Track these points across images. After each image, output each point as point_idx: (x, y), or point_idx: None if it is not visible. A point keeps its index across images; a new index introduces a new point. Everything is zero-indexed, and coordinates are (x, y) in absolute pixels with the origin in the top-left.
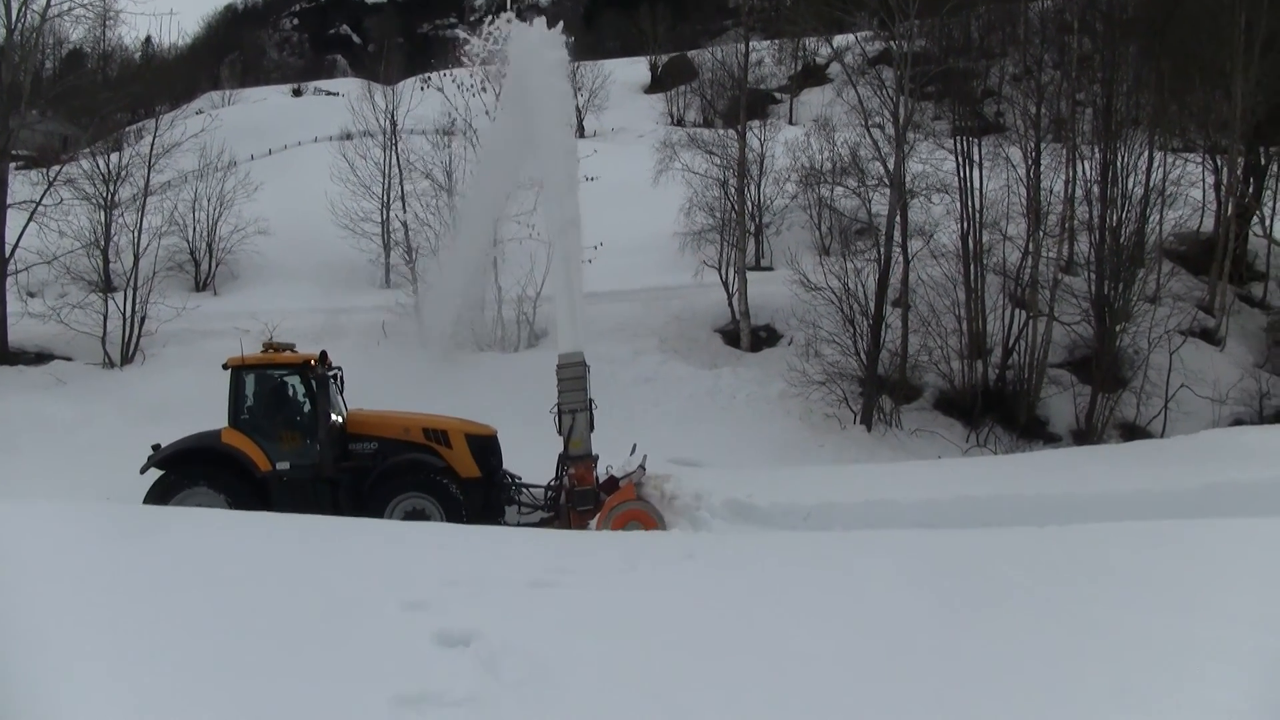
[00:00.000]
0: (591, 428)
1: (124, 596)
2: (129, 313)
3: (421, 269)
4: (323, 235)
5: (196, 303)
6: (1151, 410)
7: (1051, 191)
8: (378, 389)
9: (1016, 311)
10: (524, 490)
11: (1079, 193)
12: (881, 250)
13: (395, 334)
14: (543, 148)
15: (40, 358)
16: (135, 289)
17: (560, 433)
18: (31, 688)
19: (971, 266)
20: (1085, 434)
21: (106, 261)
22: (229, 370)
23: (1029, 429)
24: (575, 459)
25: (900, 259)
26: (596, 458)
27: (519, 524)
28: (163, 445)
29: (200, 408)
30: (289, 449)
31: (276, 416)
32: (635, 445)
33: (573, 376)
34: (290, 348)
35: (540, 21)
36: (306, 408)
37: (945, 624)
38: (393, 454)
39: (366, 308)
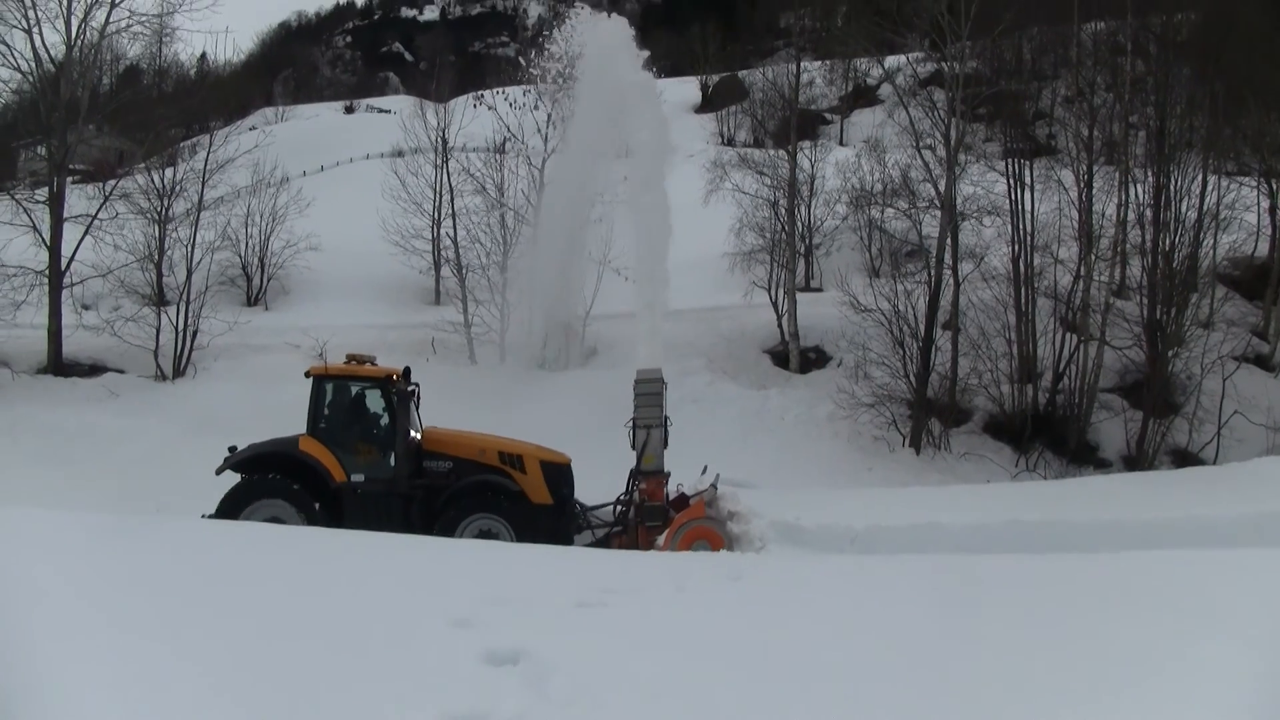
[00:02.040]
0: (665, 444)
1: (167, 610)
2: (181, 326)
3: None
4: (373, 251)
5: (248, 317)
6: (1204, 437)
7: (1104, 215)
8: (427, 405)
9: (1067, 335)
10: (591, 515)
11: (1131, 216)
12: (932, 272)
13: (444, 350)
14: (635, 165)
15: (94, 370)
16: (188, 303)
17: (634, 447)
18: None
19: (1022, 290)
20: (1136, 460)
21: (160, 275)
22: (310, 379)
23: (1079, 454)
24: (647, 474)
25: (950, 281)
26: (668, 475)
27: (590, 545)
28: (237, 448)
29: (250, 421)
30: (364, 461)
31: (354, 428)
32: (706, 466)
33: (650, 392)
34: (371, 360)
35: (615, 19)
36: (385, 421)
37: (990, 651)
38: (467, 474)
39: (416, 324)
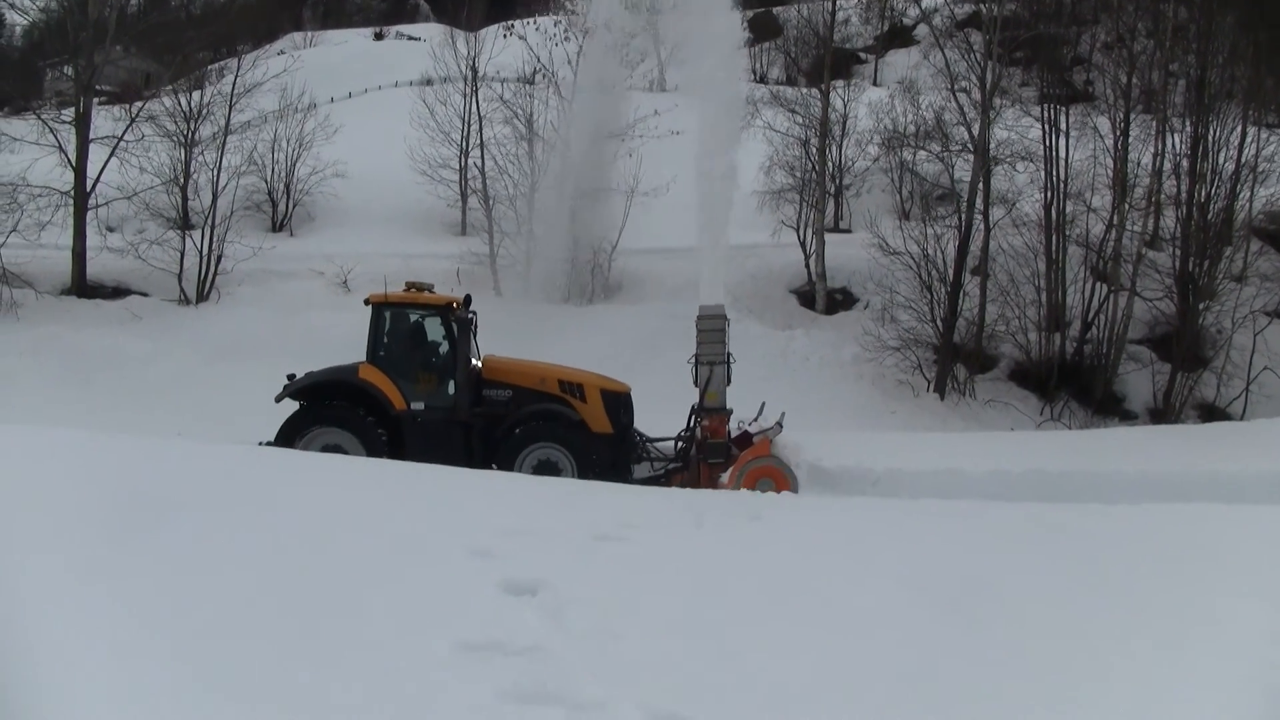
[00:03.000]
0: (729, 381)
1: (181, 530)
2: (205, 251)
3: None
4: (400, 180)
5: (272, 243)
6: (1232, 392)
7: (1139, 164)
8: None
9: (1097, 285)
10: (651, 446)
11: (1167, 166)
12: (962, 217)
13: (469, 282)
14: (704, 94)
15: (117, 292)
16: (213, 227)
17: (696, 384)
18: (79, 614)
19: (1053, 237)
20: (1162, 413)
21: (185, 199)
22: (370, 306)
23: (1105, 405)
24: (710, 411)
25: (981, 226)
26: (730, 412)
27: (649, 479)
28: (296, 375)
29: (274, 347)
30: (424, 390)
31: (414, 356)
32: (764, 404)
33: (713, 329)
34: (429, 288)
35: None
36: (445, 350)
37: (1009, 598)
38: (527, 403)
39: (441, 255)
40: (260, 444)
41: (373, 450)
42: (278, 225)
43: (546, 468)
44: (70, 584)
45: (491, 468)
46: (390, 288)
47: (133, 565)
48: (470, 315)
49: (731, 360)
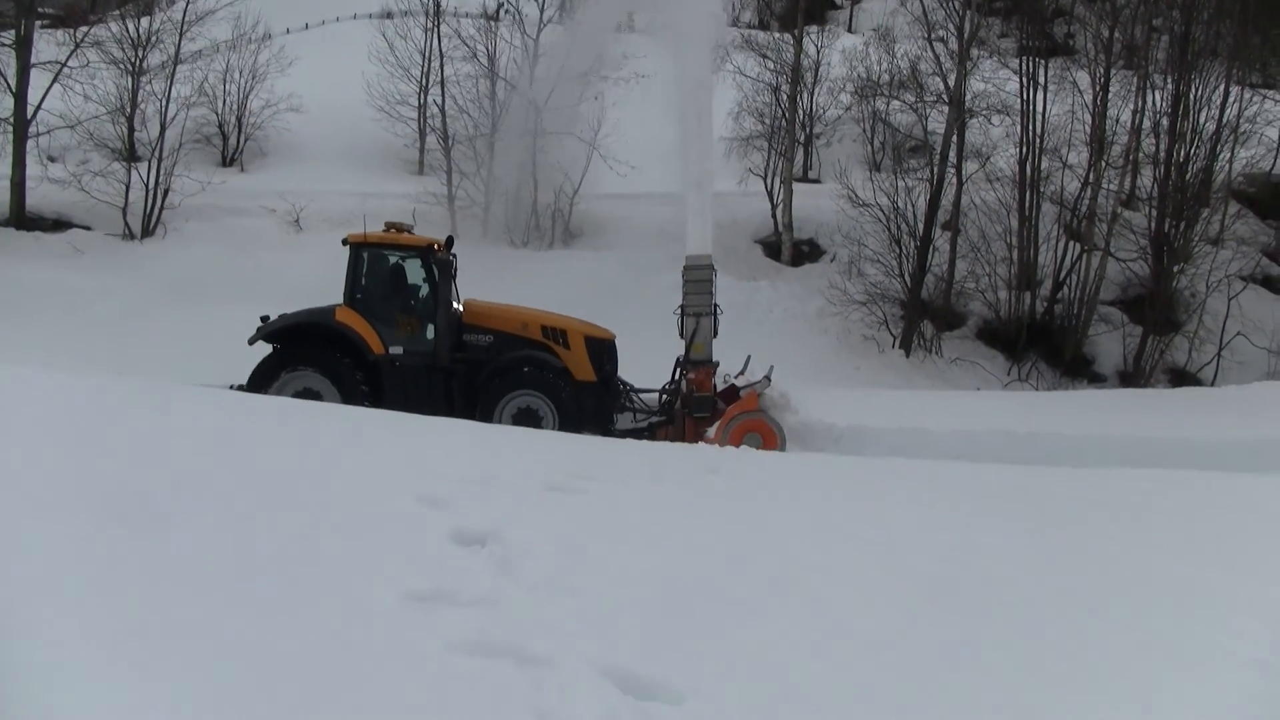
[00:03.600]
0: (715, 333)
1: (121, 472)
2: (152, 184)
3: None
4: (357, 117)
5: (222, 178)
6: (1204, 357)
7: (1118, 121)
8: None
9: (1071, 244)
10: (635, 397)
11: (1147, 124)
12: (935, 170)
13: (425, 223)
14: (681, 39)
15: (58, 225)
16: (160, 160)
17: (683, 335)
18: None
19: (1027, 193)
20: (1132, 376)
21: (131, 130)
22: (348, 246)
23: (1074, 367)
24: (696, 364)
25: (954, 180)
26: (717, 364)
27: (632, 431)
28: (270, 317)
29: (224, 287)
30: (403, 334)
31: (393, 299)
32: (750, 357)
33: (699, 279)
34: (409, 229)
35: None
36: (425, 293)
37: (966, 553)
38: (509, 349)
39: (397, 194)
40: (231, 388)
41: (349, 396)
42: (228, 160)
43: (527, 416)
44: None
45: (474, 415)
46: (358, 228)
47: (64, 511)
48: (452, 257)
49: (719, 312)
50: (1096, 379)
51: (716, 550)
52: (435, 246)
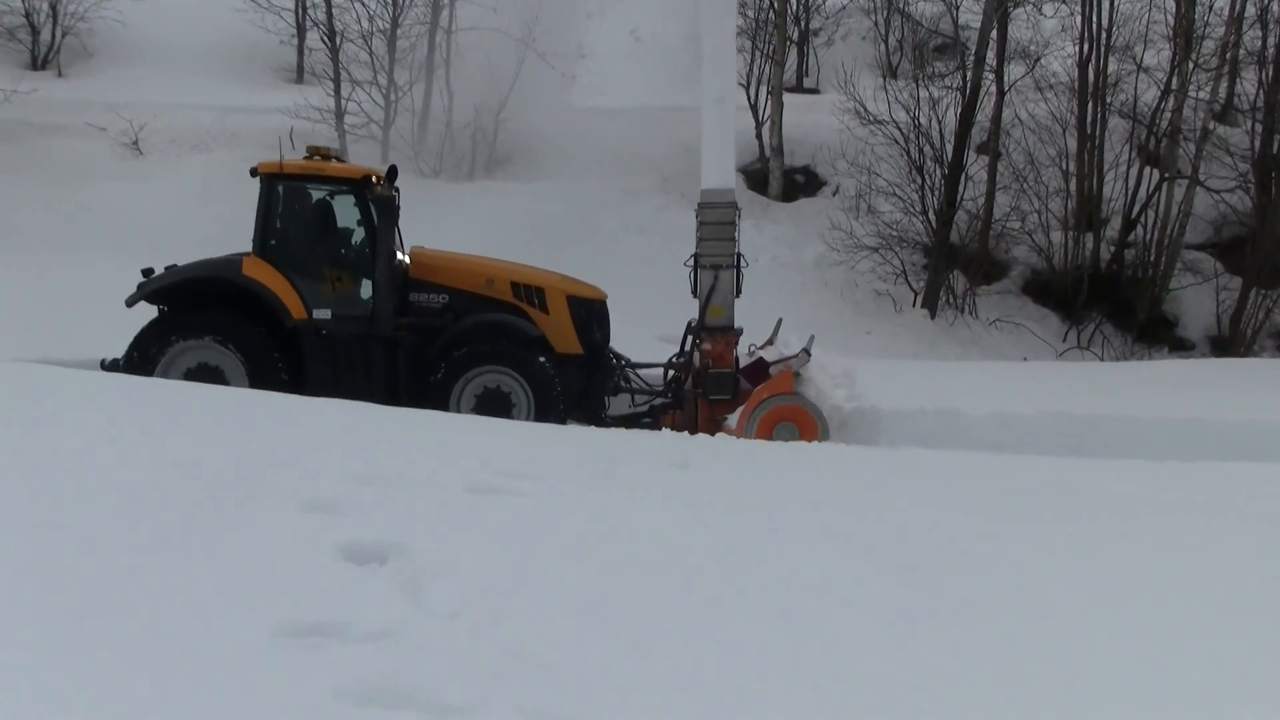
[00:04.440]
0: (738, 291)
1: None
2: None
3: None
4: (213, 7)
5: (32, 85)
6: None
7: (1210, 8)
8: None
9: (1147, 170)
10: (633, 374)
11: (1250, 10)
12: (968, 75)
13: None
14: None
15: None
16: None
17: (696, 294)
18: None
19: (1090, 105)
20: (1228, 342)
21: None
22: (258, 178)
23: (1150, 330)
24: (713, 330)
25: (993, 89)
26: (740, 332)
27: (628, 417)
28: (152, 270)
29: (40, 230)
30: (332, 293)
31: (318, 248)
32: (781, 320)
33: (719, 220)
34: (337, 156)
35: None
36: (360, 240)
37: (1006, 588)
38: (469, 312)
39: (268, 108)
40: (104, 364)
41: (260, 374)
42: (39, 61)
43: (493, 399)
44: None
45: (424, 400)
46: (217, 151)
47: None
48: (395, 193)
49: (743, 263)
50: (1180, 345)
51: (682, 567)
52: (373, 179)
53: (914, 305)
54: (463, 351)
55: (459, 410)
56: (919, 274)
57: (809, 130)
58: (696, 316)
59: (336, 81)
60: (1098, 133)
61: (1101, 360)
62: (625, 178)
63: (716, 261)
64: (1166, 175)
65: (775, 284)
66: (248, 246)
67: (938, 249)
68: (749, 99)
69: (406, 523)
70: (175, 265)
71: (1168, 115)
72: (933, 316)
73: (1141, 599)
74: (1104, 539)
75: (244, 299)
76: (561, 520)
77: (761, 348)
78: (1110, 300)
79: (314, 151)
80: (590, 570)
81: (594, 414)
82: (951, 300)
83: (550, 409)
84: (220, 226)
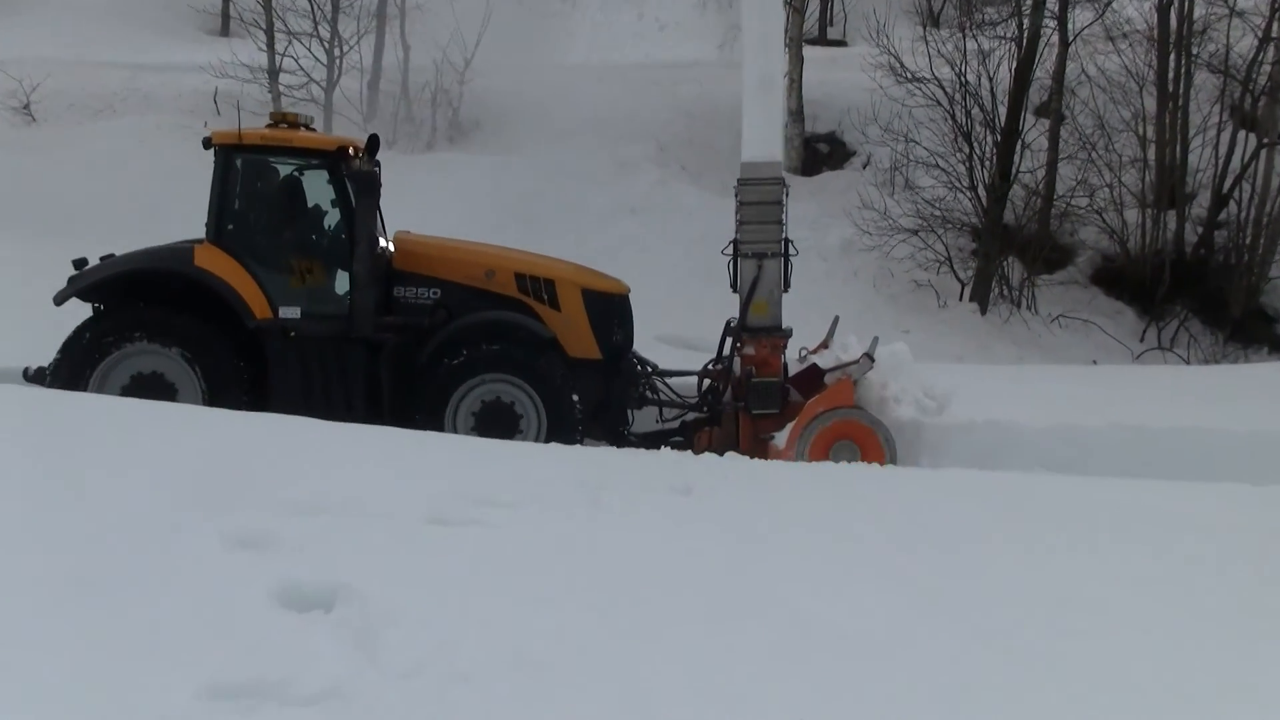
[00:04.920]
0: (787, 286)
1: None
2: None
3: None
4: None
5: None
6: None
7: None
8: (202, 194)
9: (1241, 134)
10: (662, 384)
11: None
12: (1025, 23)
13: (235, 111)
14: None
15: None
16: None
17: (735, 288)
18: None
19: (1172, 56)
20: None
21: None
22: (212, 150)
23: (1248, 327)
24: (757, 331)
25: (1055, 39)
26: (789, 333)
27: (655, 435)
28: (86, 261)
29: None
30: (304, 288)
31: (285, 235)
32: (837, 319)
33: (764, 200)
34: (307, 124)
35: None
36: (335, 224)
37: (1059, 639)
38: (466, 309)
39: (188, 66)
40: (27, 374)
41: (216, 384)
42: None
43: (497, 413)
44: None
45: (414, 416)
46: (125, 117)
47: None
48: (376, 168)
49: (793, 251)
50: None
51: (683, 611)
52: (350, 151)
53: (961, 298)
54: (460, 357)
55: (455, 426)
56: (967, 261)
57: (835, 89)
58: (736, 315)
59: (270, 34)
60: (1181, 90)
61: (1187, 363)
62: (617, 147)
63: (760, 249)
64: (1266, 141)
65: (796, 274)
66: (170, 230)
67: (989, 231)
68: None
69: (356, 561)
70: (111, 255)
71: (1266, 69)
72: (983, 312)
73: (1229, 654)
74: (1179, 575)
75: (197, 295)
76: (539, 558)
77: (814, 351)
78: (1198, 292)
79: (279, 118)
80: (572, 618)
81: (615, 430)
82: (1006, 293)
83: (565, 425)
84: (134, 206)
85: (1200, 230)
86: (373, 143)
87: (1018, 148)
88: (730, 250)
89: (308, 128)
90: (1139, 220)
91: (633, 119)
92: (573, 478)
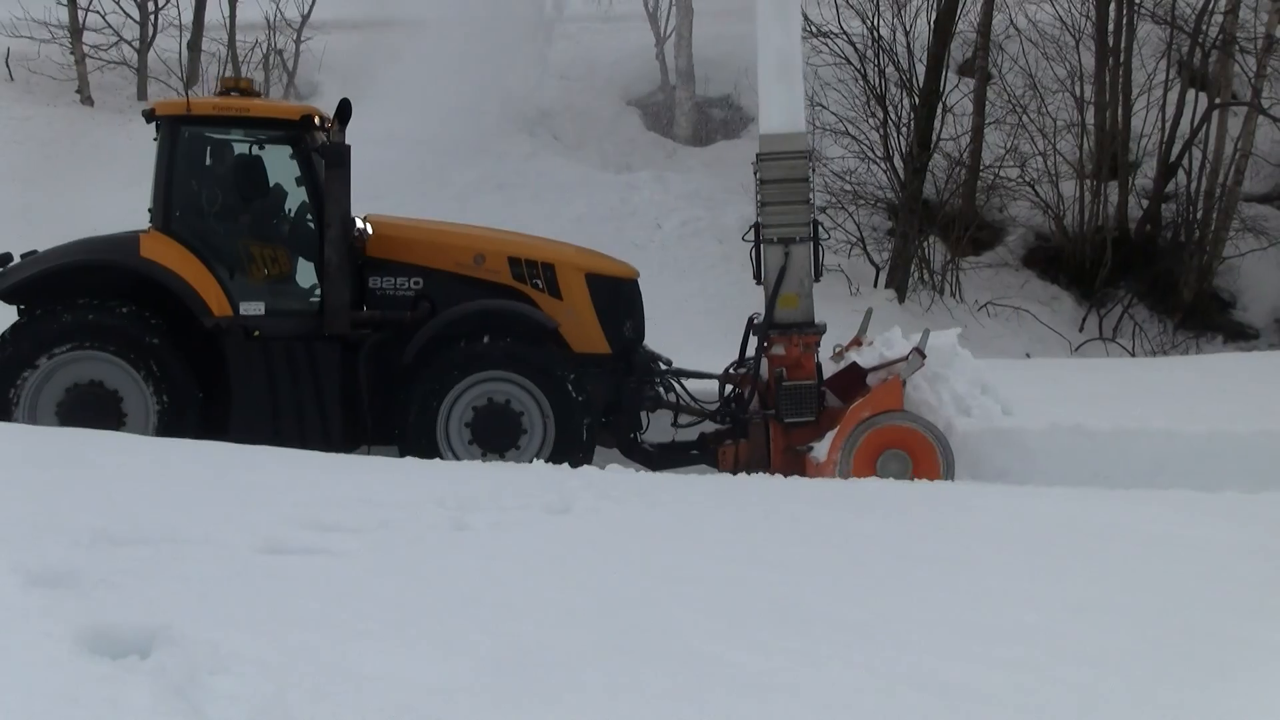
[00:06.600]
0: (818, 274)
1: None
2: None
3: None
4: None
5: None
6: None
7: None
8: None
9: (1191, 95)
10: (679, 385)
11: None
12: None
13: (31, 82)
14: None
15: None
16: None
17: (759, 278)
18: None
19: (1112, 6)
20: None
21: None
22: (156, 124)
23: (1200, 312)
24: (787, 328)
25: None
26: (823, 329)
27: (670, 448)
28: (11, 256)
29: None
30: (265, 280)
31: (245, 219)
32: (870, 310)
33: (789, 178)
34: (259, 92)
35: None
36: (298, 206)
37: (971, 650)
38: (452, 298)
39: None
40: None
41: (168, 395)
42: None
43: (495, 418)
44: None
45: (394, 429)
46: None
47: None
48: (344, 142)
49: (824, 234)
50: (1239, 333)
51: (559, 655)
52: (316, 121)
53: (876, 284)
54: (447, 354)
55: (448, 434)
56: (882, 242)
57: (729, 48)
58: (762, 310)
59: None
60: (1123, 44)
61: (1133, 355)
62: (476, 117)
63: (787, 233)
64: (1218, 101)
65: (684, 257)
66: None
67: (907, 207)
68: (645, 5)
69: (177, 599)
70: (37, 250)
71: (1218, 19)
72: (901, 300)
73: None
74: (1122, 600)
75: (144, 291)
76: (393, 591)
77: (848, 348)
78: (1144, 274)
79: (231, 85)
80: (430, 661)
81: (627, 435)
82: (927, 277)
83: (574, 428)
84: None
85: (1145, 204)
86: (343, 110)
87: (938, 111)
88: (752, 236)
89: (260, 96)
90: (1076, 193)
91: (498, 82)
92: (433, 495)
